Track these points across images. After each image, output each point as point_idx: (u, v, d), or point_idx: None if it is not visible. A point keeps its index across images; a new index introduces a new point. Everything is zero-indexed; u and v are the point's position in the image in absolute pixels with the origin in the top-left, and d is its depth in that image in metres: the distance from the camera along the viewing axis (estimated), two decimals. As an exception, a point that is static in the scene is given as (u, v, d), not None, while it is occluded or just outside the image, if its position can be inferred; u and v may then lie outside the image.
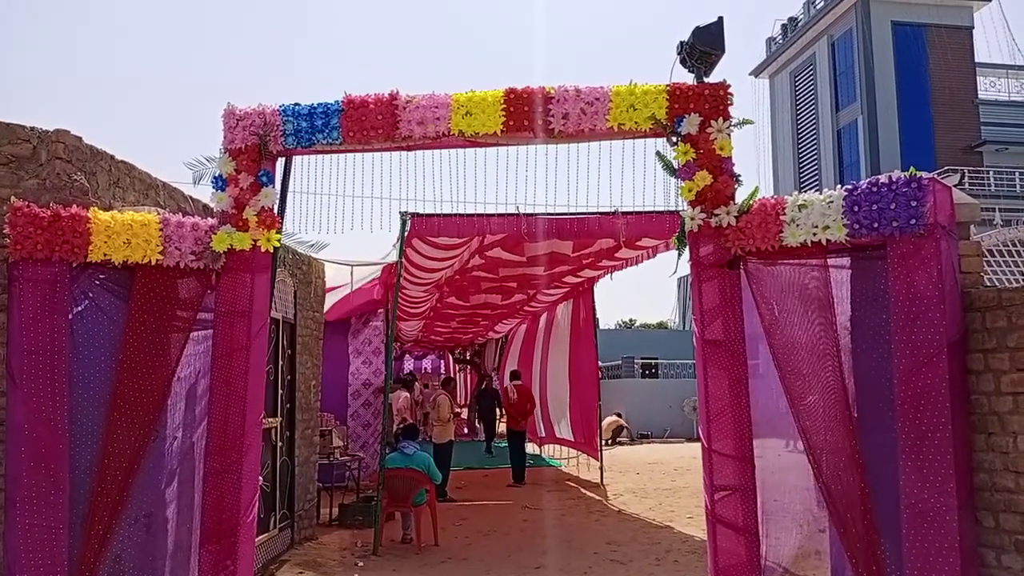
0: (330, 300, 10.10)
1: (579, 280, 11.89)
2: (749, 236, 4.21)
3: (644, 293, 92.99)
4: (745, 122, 4.48)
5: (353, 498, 9.25)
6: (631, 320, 53.83)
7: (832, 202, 3.96)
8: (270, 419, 6.56)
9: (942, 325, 3.65)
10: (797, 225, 4.06)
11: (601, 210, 5.64)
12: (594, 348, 12.61)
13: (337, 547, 7.56)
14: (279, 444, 6.82)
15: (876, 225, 3.84)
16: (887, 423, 3.80)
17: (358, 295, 10.95)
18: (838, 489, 3.87)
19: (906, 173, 3.84)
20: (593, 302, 12.61)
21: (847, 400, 3.89)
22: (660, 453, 17.03)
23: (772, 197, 4.26)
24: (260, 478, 6.18)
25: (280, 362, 6.84)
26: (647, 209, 6.48)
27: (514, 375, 14.53)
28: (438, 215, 7.58)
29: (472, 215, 7.59)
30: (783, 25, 31.55)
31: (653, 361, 25.49)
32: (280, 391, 6.83)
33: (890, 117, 24.58)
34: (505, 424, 13.18)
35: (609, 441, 18.66)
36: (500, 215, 7.58)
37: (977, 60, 27.27)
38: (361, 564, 6.89)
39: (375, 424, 11.79)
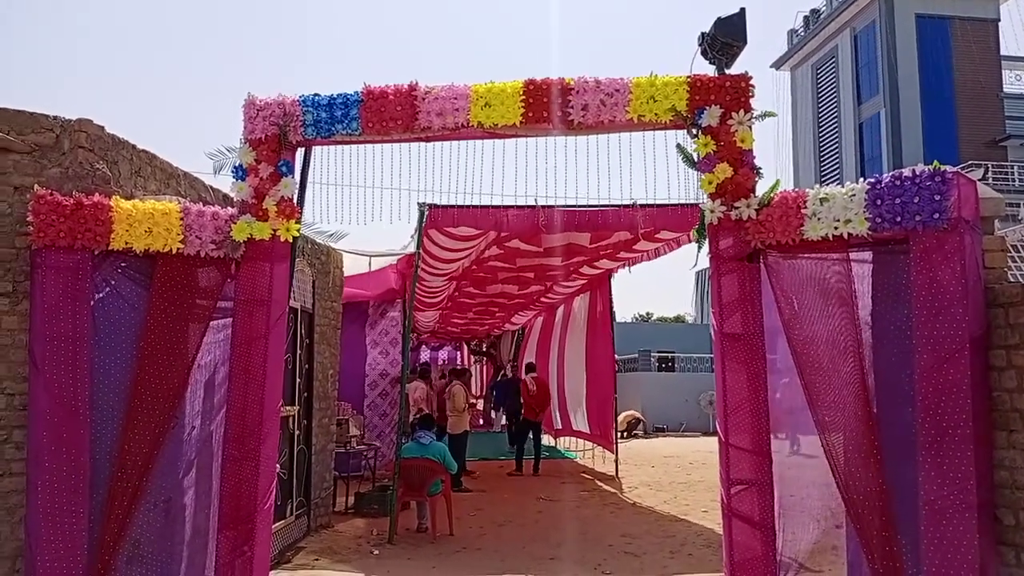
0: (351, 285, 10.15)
1: (596, 272, 11.87)
2: (769, 229, 4.18)
3: (662, 287, 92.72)
4: (767, 114, 4.44)
5: (369, 487, 9.30)
6: (648, 314, 53.70)
7: (854, 195, 3.92)
8: (288, 407, 6.61)
9: (964, 321, 3.60)
10: (818, 219, 4.02)
11: (620, 202, 5.62)
12: (610, 341, 12.59)
13: (353, 535, 7.61)
14: (296, 432, 6.87)
15: (899, 219, 3.80)
16: (907, 419, 3.76)
17: (374, 278, 11.00)
18: (856, 485, 3.85)
19: (930, 167, 3.79)
20: (610, 294, 12.58)
21: (867, 396, 3.86)
22: (676, 447, 17.00)
23: (793, 190, 4.23)
24: (277, 465, 6.24)
25: (298, 351, 6.88)
26: (666, 202, 6.47)
27: (530, 367, 14.58)
28: (456, 206, 7.59)
29: (489, 207, 7.60)
30: (805, 17, 31.23)
31: (670, 354, 25.41)
32: (298, 380, 6.87)
33: (913, 111, 24.29)
34: (522, 415, 13.21)
35: (624, 434, 18.65)
36: (517, 207, 7.58)
37: (1002, 53, 26.87)
38: (376, 552, 6.94)
39: (392, 414, 11.85)
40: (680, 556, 6.81)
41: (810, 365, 4.05)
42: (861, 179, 3.99)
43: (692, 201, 4.97)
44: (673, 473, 12.68)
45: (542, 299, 14.83)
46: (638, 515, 8.95)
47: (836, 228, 3.96)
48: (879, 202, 3.85)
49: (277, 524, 6.36)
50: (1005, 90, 26.70)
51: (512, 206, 7.61)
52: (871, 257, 4.04)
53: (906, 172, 3.84)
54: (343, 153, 5.15)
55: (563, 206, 7.66)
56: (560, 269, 11.40)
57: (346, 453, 9.18)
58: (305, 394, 7.13)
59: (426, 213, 7.63)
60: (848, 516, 3.90)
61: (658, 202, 7.06)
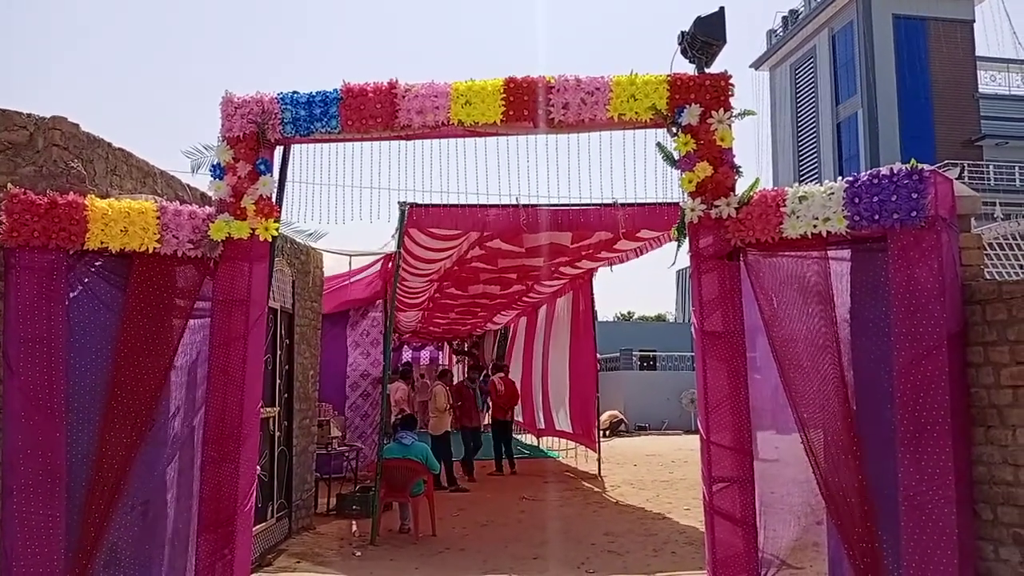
0: (335, 297, 10.09)
1: (578, 271, 11.89)
2: (749, 228, 4.20)
3: (643, 286, 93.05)
4: (746, 113, 4.46)
5: (351, 488, 9.25)
6: (630, 313, 53.85)
7: (833, 194, 3.95)
8: (268, 408, 6.55)
9: (942, 317, 3.63)
10: (797, 217, 4.04)
11: (601, 201, 5.62)
12: (592, 341, 12.61)
13: (335, 537, 7.57)
14: (277, 434, 6.82)
15: (877, 217, 3.82)
16: (886, 416, 3.79)
17: (357, 288, 10.94)
18: (836, 481, 3.87)
19: (907, 165, 3.82)
20: (592, 294, 12.60)
21: (846, 392, 3.88)
22: (658, 445, 17.06)
23: (773, 189, 4.24)
24: (258, 467, 6.18)
25: (278, 352, 6.82)
26: (647, 201, 6.50)
27: (498, 367, 15.13)
28: (437, 205, 7.57)
29: (471, 206, 7.58)
30: (784, 17, 31.45)
31: (651, 353, 25.50)
32: (278, 381, 6.82)
33: (890, 110, 24.54)
34: (491, 415, 13.34)
35: (607, 433, 18.69)
36: (499, 206, 7.57)
37: (978, 54, 27.20)
38: (359, 554, 6.90)
39: (373, 415, 11.79)
40: (663, 554, 6.83)
41: (790, 362, 4.07)
42: (840, 178, 4.02)
43: (673, 200, 4.98)
44: (655, 471, 12.72)
45: (524, 299, 14.83)
46: (621, 514, 8.97)
47: (815, 226, 3.98)
48: (857, 200, 3.87)
49: (258, 527, 6.31)
50: (980, 90, 27.03)
51: (494, 205, 7.60)
52: (849, 255, 4.06)
53: (884, 170, 3.87)
54: (322, 152, 5.11)
55: (545, 205, 7.66)
56: (542, 269, 11.40)
57: (327, 454, 9.13)
58: (285, 395, 7.07)
59: (407, 212, 7.59)
60: (828, 513, 3.92)
61: (639, 201, 7.08)
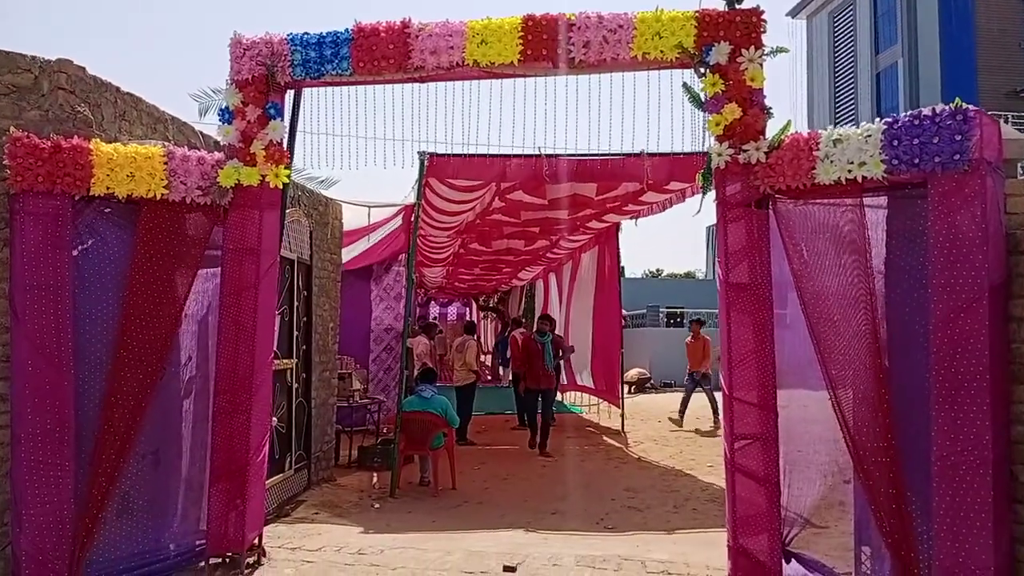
0: (356, 249, 9.98)
1: (603, 225, 11.66)
2: (779, 173, 3.97)
3: (672, 242, 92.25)
4: (779, 50, 4.19)
5: (373, 441, 9.24)
6: (658, 270, 53.47)
7: (870, 136, 3.70)
8: (285, 360, 6.49)
9: (984, 268, 3.40)
10: (831, 161, 3.80)
11: (625, 150, 5.41)
12: (617, 296, 12.41)
13: (355, 489, 7.56)
14: (295, 386, 6.77)
15: (917, 161, 3.57)
16: (920, 372, 3.59)
17: (380, 243, 10.82)
18: (865, 440, 3.69)
19: (951, 105, 3.55)
20: (618, 249, 12.37)
21: (878, 348, 3.68)
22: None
23: (805, 132, 3.99)
24: (275, 419, 6.15)
25: (296, 303, 6.74)
26: (674, 150, 6.27)
27: (517, 323, 14.93)
28: (456, 155, 7.38)
29: (492, 156, 7.38)
30: (823, -36, 30.26)
31: (679, 310, 25.23)
32: (296, 332, 6.74)
33: (931, 60, 23.60)
34: (512, 370, 13.11)
35: (632, 389, 18.60)
36: (520, 156, 7.36)
37: (1026, 0, 25.98)
38: (377, 506, 6.88)
39: (396, 369, 11.78)
40: (684, 511, 6.72)
41: (820, 317, 3.87)
42: (877, 119, 3.76)
43: (701, 150, 4.76)
44: (680, 428, 12.60)
45: (549, 254, 14.64)
46: (643, 470, 8.88)
47: (850, 171, 3.74)
48: (896, 143, 3.62)
49: (276, 477, 6.30)
50: (1028, 39, 25.90)
51: (515, 156, 7.39)
52: (886, 202, 3.83)
53: (925, 111, 3.60)
54: (334, 96, 4.95)
55: (567, 155, 7.43)
56: (566, 223, 11.19)
57: (349, 407, 9.10)
58: (304, 347, 7.01)
59: (426, 162, 7.41)
60: (856, 472, 3.75)
61: (665, 151, 6.84)
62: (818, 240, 3.95)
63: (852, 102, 27.87)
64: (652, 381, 20.52)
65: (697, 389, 12.97)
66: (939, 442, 3.44)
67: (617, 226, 11.87)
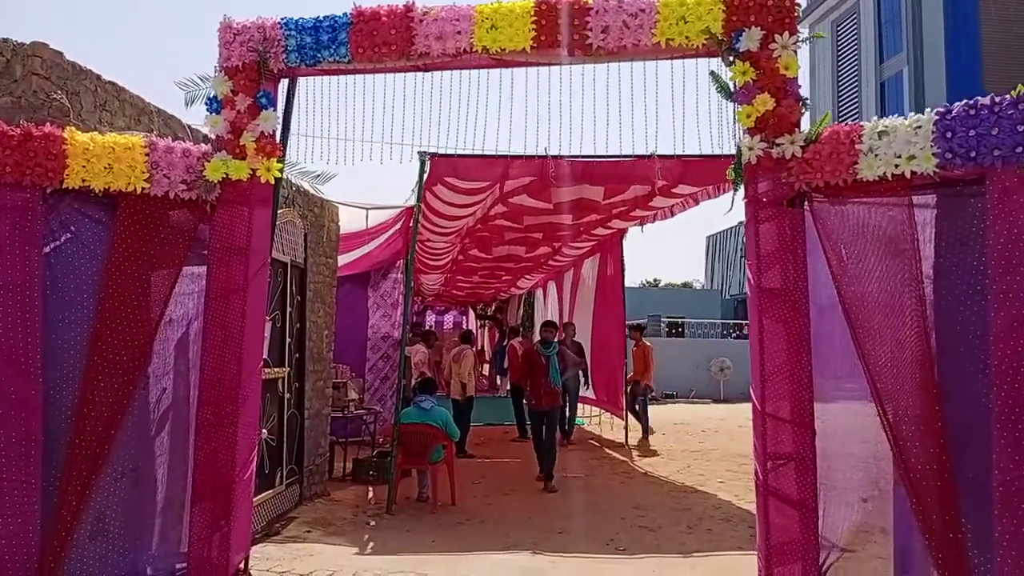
0: (353, 255, 9.62)
1: (608, 232, 11.32)
2: (817, 169, 3.64)
3: (669, 253, 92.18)
4: (815, 36, 3.94)
5: (369, 453, 8.87)
6: (656, 280, 53.24)
7: (920, 127, 3.37)
8: (277, 369, 6.14)
9: (1051, 273, 3.07)
10: (876, 155, 3.47)
11: (643, 146, 5.06)
12: (621, 305, 12.06)
13: (350, 504, 7.19)
14: (287, 396, 6.40)
15: (973, 154, 3.25)
16: (975, 388, 3.26)
17: (380, 249, 10.48)
18: (915, 461, 3.34)
19: (1013, 92, 3.23)
20: (622, 257, 12.03)
21: (929, 361, 3.33)
22: (687, 414, 16.55)
23: (846, 124, 3.66)
24: (264, 431, 5.78)
25: (288, 309, 6.38)
26: (688, 151, 5.98)
27: (515, 331, 14.33)
28: (460, 156, 7.03)
29: (496, 156, 7.04)
30: (825, -28, 30.11)
31: (680, 320, 24.90)
32: (288, 340, 6.39)
33: (938, 69, 23.35)
34: (510, 380, 12.69)
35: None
36: (526, 157, 7.01)
37: (1031, 11, 25.79)
38: (373, 524, 6.51)
39: (393, 378, 11.42)
40: (698, 531, 6.36)
41: (862, 326, 3.53)
42: (928, 109, 3.43)
43: (716, 152, 4.44)
44: (685, 441, 12.24)
45: (550, 262, 14.29)
46: (650, 485, 8.51)
47: (897, 166, 3.41)
48: (950, 134, 3.29)
49: (266, 493, 5.94)
50: (1033, 50, 25.67)
51: (520, 156, 7.05)
52: (934, 201, 3.50)
53: (983, 100, 3.28)
54: (331, 85, 4.60)
55: (575, 157, 7.09)
56: (570, 229, 10.84)
57: (344, 418, 8.74)
58: (297, 355, 6.65)
59: (428, 163, 7.07)
60: (907, 495, 3.39)
61: (678, 153, 6.53)
62: (859, 242, 3.61)
63: (856, 110, 27.57)
64: (654, 392, 20.15)
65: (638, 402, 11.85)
66: (1001, 465, 3.10)
67: (622, 233, 11.54)
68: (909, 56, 23.91)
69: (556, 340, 9.20)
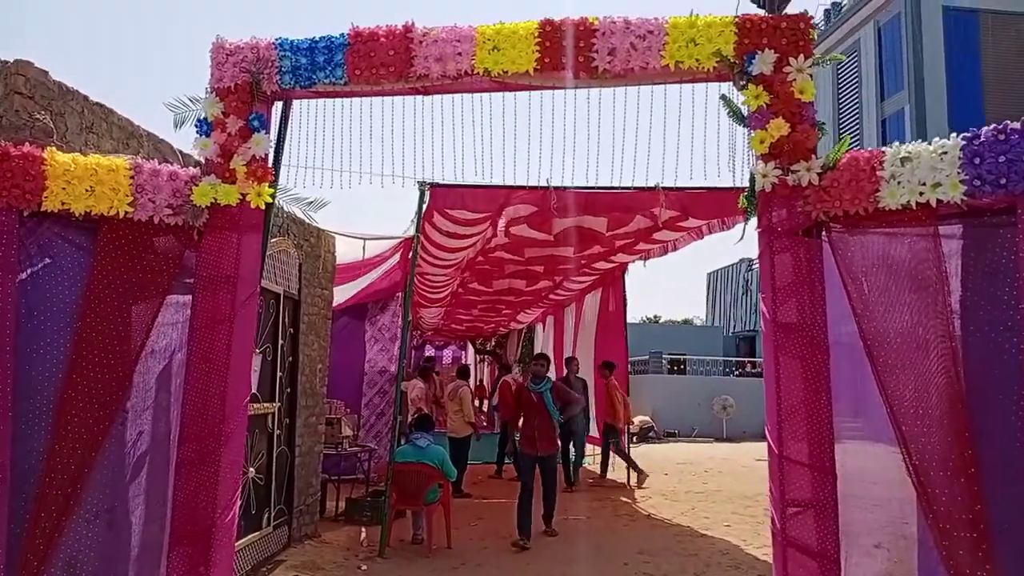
0: (350, 287, 9.43)
1: (610, 266, 11.15)
2: (836, 197, 3.44)
3: (669, 289, 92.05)
4: (832, 58, 3.71)
5: (363, 492, 8.58)
6: (656, 316, 53.03)
7: (946, 153, 3.19)
8: (267, 404, 5.90)
9: (1091, 308, 2.86)
10: (898, 182, 3.28)
11: (647, 176, 4.88)
12: (623, 341, 11.85)
13: (341, 546, 6.90)
14: (277, 432, 6.15)
15: (1003, 181, 3.07)
16: (1010, 430, 3.03)
17: (379, 281, 10.30)
18: (945, 510, 3.10)
19: (1044, 117, 3.05)
20: (624, 292, 11.85)
21: (960, 401, 3.11)
22: (689, 453, 16.23)
23: (866, 150, 3.48)
24: (251, 469, 5.53)
25: (280, 341, 6.16)
26: (692, 185, 5.80)
27: (506, 368, 14.21)
28: (460, 186, 6.88)
29: (497, 187, 6.87)
30: (826, 11, 30.37)
31: (681, 357, 24.64)
32: (279, 373, 6.16)
33: (939, 106, 23.45)
34: (500, 417, 12.39)
35: (636, 439, 17.92)
36: (528, 188, 6.85)
37: (1033, 49, 25.90)
38: (364, 568, 6.22)
39: (390, 414, 11.16)
40: (705, 578, 6.08)
41: (884, 364, 3.31)
42: (953, 134, 3.25)
43: (726, 184, 4.26)
44: (689, 481, 11.94)
45: (551, 296, 14.10)
46: (654, 528, 8.21)
47: (922, 194, 3.22)
48: (978, 161, 3.11)
49: (252, 535, 5.67)
50: (1035, 88, 25.75)
51: (522, 187, 6.88)
52: (960, 232, 3.31)
53: (1013, 124, 3.12)
54: (327, 109, 4.43)
55: (579, 188, 6.93)
56: (572, 261, 10.67)
57: (337, 455, 8.47)
58: (288, 389, 6.41)
59: (427, 193, 6.92)
60: (936, 543, 3.15)
61: (682, 185, 6.38)
62: (881, 274, 3.41)
63: (858, 147, 27.60)
64: (655, 430, 19.83)
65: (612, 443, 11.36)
66: (1041, 515, 2.86)
67: (624, 268, 11.37)
68: (911, 93, 24.02)
69: (548, 376, 8.25)
